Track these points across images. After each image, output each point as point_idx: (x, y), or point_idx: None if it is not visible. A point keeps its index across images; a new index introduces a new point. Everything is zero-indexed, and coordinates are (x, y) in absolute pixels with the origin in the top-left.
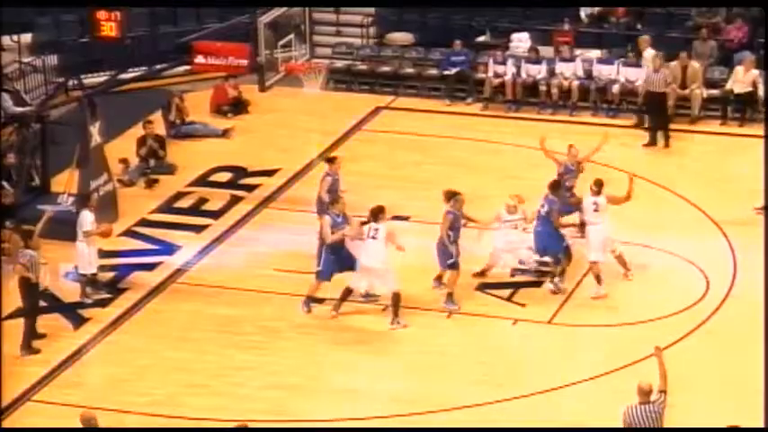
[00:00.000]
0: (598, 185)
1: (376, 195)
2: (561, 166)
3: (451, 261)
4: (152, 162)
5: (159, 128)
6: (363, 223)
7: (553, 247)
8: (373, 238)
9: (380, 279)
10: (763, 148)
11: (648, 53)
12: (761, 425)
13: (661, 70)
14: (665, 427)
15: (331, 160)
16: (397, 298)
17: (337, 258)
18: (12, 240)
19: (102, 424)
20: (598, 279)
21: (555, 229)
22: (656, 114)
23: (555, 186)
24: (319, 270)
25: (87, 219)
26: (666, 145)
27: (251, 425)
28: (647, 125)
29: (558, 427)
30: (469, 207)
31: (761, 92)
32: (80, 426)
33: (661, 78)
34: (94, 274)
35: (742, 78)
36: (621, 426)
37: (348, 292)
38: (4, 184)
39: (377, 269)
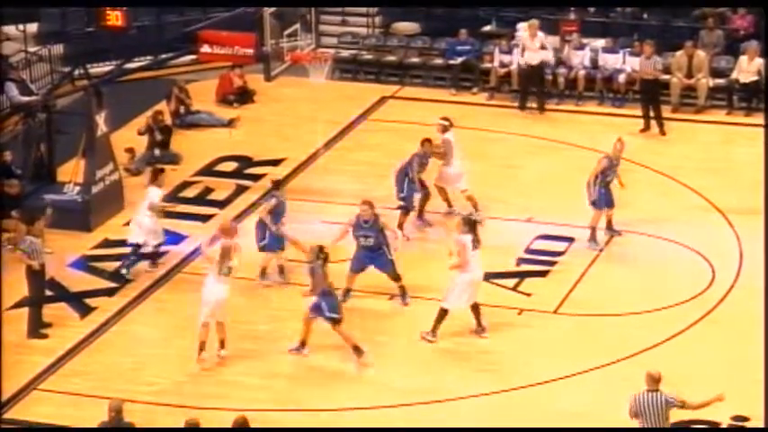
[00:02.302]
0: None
1: (381, 185)
2: (605, 159)
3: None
4: (157, 152)
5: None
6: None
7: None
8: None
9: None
10: (764, 137)
11: (539, 36)
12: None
13: (652, 57)
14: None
15: (277, 184)
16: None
17: None
18: (18, 230)
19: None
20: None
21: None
22: (649, 101)
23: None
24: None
25: (155, 194)
26: (662, 132)
27: (255, 414)
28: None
29: (562, 425)
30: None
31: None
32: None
33: (651, 65)
34: (139, 246)
35: (747, 68)
36: (628, 411)
37: (444, 313)
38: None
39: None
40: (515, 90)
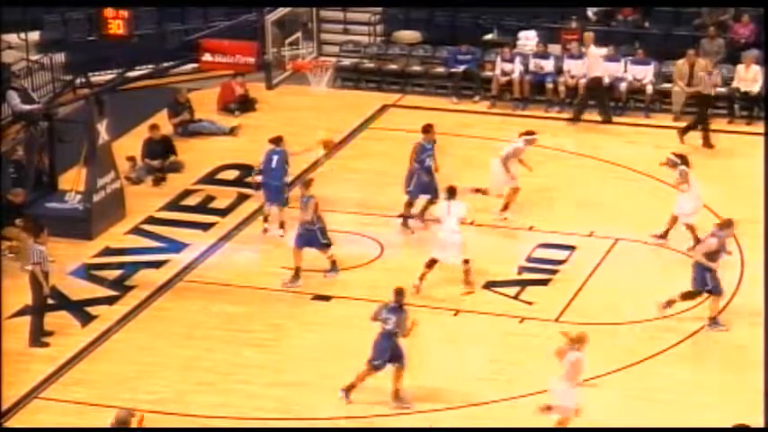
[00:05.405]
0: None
1: (383, 193)
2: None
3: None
4: (158, 161)
5: (166, 126)
6: None
7: None
8: None
9: None
10: (764, 146)
11: (594, 50)
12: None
13: (713, 72)
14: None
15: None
16: None
17: None
18: (21, 239)
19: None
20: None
21: None
22: (700, 115)
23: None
24: None
25: (464, 209)
26: (709, 145)
27: (258, 423)
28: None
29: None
30: (478, 204)
31: (757, 88)
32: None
33: (710, 81)
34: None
35: (745, 76)
36: None
37: None
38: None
39: None
40: (517, 98)
